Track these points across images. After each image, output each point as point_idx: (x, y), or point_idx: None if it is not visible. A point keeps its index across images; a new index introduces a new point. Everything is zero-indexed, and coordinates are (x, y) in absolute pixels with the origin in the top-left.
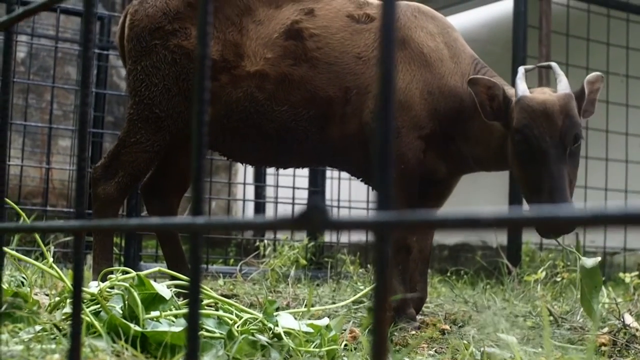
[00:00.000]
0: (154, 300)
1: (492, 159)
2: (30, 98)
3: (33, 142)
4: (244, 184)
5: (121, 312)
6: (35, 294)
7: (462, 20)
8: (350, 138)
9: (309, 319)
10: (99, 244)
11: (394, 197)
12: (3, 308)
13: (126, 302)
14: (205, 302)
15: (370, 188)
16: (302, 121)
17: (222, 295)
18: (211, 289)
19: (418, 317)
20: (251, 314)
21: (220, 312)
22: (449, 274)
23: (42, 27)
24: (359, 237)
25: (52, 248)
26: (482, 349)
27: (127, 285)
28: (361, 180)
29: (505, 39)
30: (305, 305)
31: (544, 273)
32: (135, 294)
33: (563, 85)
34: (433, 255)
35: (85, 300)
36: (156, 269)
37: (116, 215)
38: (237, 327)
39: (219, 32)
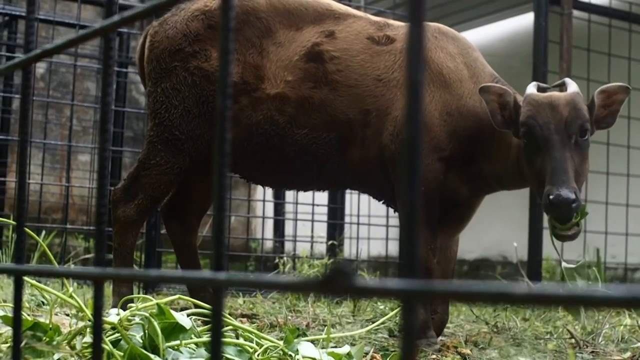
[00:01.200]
0: (174, 330)
1: (511, 176)
2: (49, 114)
3: (53, 157)
4: (264, 200)
5: (141, 341)
6: (56, 314)
7: (481, 35)
8: (371, 161)
9: (330, 341)
10: (119, 265)
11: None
12: (23, 343)
13: (146, 331)
14: (225, 328)
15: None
16: (323, 144)
17: (242, 315)
18: (231, 307)
19: (438, 339)
20: (271, 341)
21: (241, 340)
22: None
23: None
24: (378, 251)
25: (72, 266)
26: None
27: (147, 314)
28: (383, 203)
29: (525, 53)
30: (326, 331)
31: None
32: (156, 323)
33: (572, 88)
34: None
35: (105, 330)
36: (177, 296)
37: (136, 238)
38: (258, 355)
39: (239, 54)
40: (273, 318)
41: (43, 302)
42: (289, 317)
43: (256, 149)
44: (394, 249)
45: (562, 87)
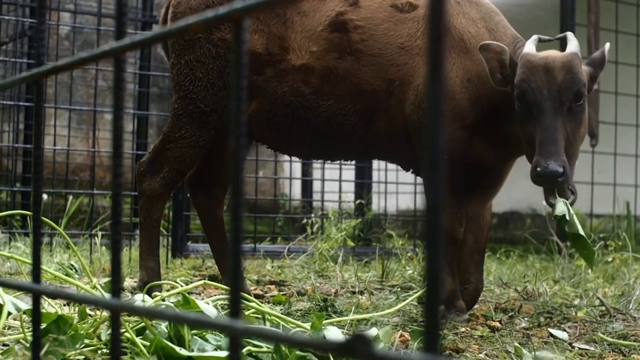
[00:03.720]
0: None
1: None
2: (75, 73)
3: (79, 116)
4: (291, 161)
5: (166, 331)
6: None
7: None
8: (396, 131)
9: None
10: (145, 240)
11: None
12: (44, 351)
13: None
14: (252, 311)
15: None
16: (349, 115)
17: (270, 282)
18: (259, 273)
19: (475, 306)
20: (298, 326)
21: (267, 326)
22: (498, 255)
23: (85, 4)
24: (407, 204)
25: (100, 233)
26: (532, 352)
27: (171, 304)
28: (412, 172)
29: (552, 4)
30: (358, 307)
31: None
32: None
33: (572, 47)
34: None
35: (128, 322)
36: (201, 282)
37: (162, 211)
38: None
39: (264, 25)
40: (301, 285)
41: (73, 266)
42: (317, 284)
43: (282, 121)
44: (423, 202)
45: (563, 40)
